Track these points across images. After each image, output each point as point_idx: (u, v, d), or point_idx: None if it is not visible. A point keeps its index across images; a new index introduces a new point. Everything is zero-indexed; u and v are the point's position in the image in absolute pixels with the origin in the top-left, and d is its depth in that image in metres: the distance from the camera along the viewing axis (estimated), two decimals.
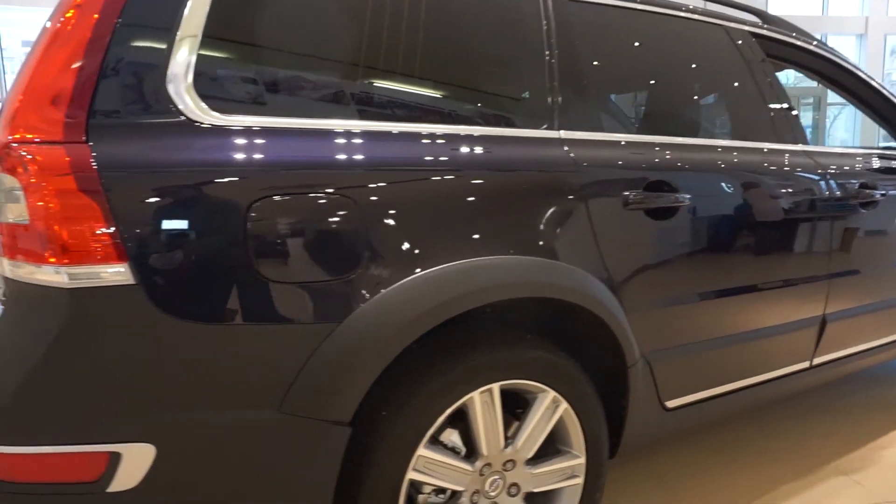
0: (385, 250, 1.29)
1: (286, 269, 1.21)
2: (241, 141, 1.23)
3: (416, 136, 1.41)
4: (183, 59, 1.22)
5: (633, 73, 1.92)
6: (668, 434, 1.90)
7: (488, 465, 1.46)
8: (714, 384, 1.91)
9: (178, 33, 1.22)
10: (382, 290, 1.27)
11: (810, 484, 2.13)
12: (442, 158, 1.41)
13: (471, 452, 1.46)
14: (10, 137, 1.14)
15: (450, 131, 1.46)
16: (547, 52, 1.64)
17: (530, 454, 1.52)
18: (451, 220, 1.39)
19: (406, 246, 1.32)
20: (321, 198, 1.25)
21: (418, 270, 1.31)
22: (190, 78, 1.22)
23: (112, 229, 1.10)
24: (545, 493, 1.58)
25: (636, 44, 1.89)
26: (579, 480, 1.59)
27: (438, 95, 1.55)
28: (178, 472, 1.15)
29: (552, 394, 1.51)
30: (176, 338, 1.14)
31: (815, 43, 2.47)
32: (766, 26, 2.32)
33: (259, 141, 1.24)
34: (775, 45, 2.30)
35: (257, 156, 1.23)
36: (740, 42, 2.13)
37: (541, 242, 1.50)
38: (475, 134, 1.49)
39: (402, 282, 1.29)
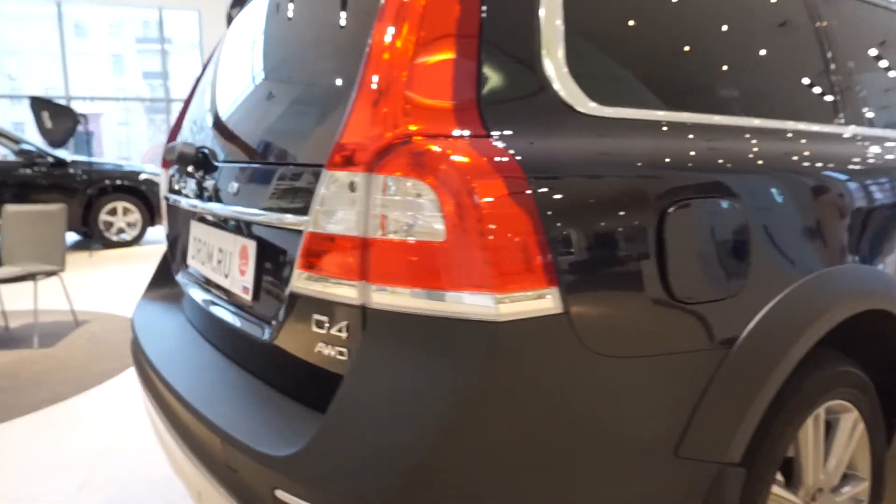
0: (768, 261, 1.16)
1: (693, 286, 1.05)
2: (641, 137, 1.07)
3: (821, 137, 1.37)
4: (554, 38, 1.03)
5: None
6: None
7: (809, 494, 1.36)
8: None
9: (542, 9, 1.05)
10: (767, 307, 1.13)
11: None
12: (838, 161, 1.37)
13: (788, 482, 1.34)
14: (395, 133, 0.93)
15: (850, 132, 1.45)
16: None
17: (836, 481, 1.42)
18: (821, 226, 1.28)
19: (785, 255, 1.19)
20: (719, 202, 1.10)
21: (795, 283, 1.18)
22: (564, 61, 1.04)
23: (543, 244, 0.90)
24: None
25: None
26: None
27: (828, 92, 1.52)
28: None
29: (855, 413, 1.40)
30: (593, 377, 0.94)
31: None
32: None
33: (653, 137, 1.09)
34: None
35: (663, 155, 1.06)
36: None
37: (872, 249, 1.42)
38: (869, 135, 1.48)
39: (786, 295, 1.15)
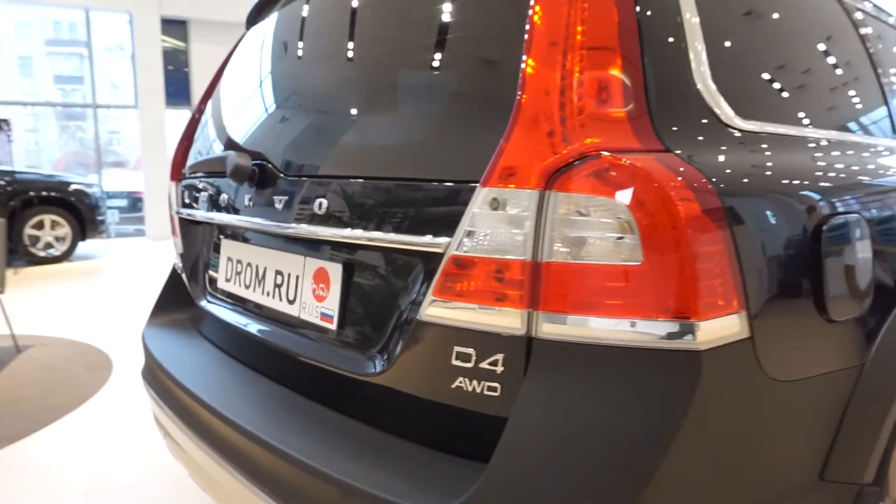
0: (890, 274, 1.16)
1: (844, 303, 1.03)
2: (786, 153, 1.07)
3: None
4: (699, 54, 1.02)
5: None
6: None
7: None
8: None
9: (685, 18, 1.02)
10: (888, 322, 1.12)
11: None
12: None
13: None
14: (573, 147, 0.87)
15: None
16: None
17: None
18: None
19: None
20: (859, 217, 1.10)
21: None
22: (710, 75, 1.02)
23: (735, 265, 0.87)
24: None
25: None
26: None
27: None
28: None
29: None
30: (767, 403, 0.93)
31: None
32: None
33: (796, 152, 1.10)
34: None
35: (812, 170, 1.08)
36: None
37: None
38: None
39: None
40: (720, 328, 0.84)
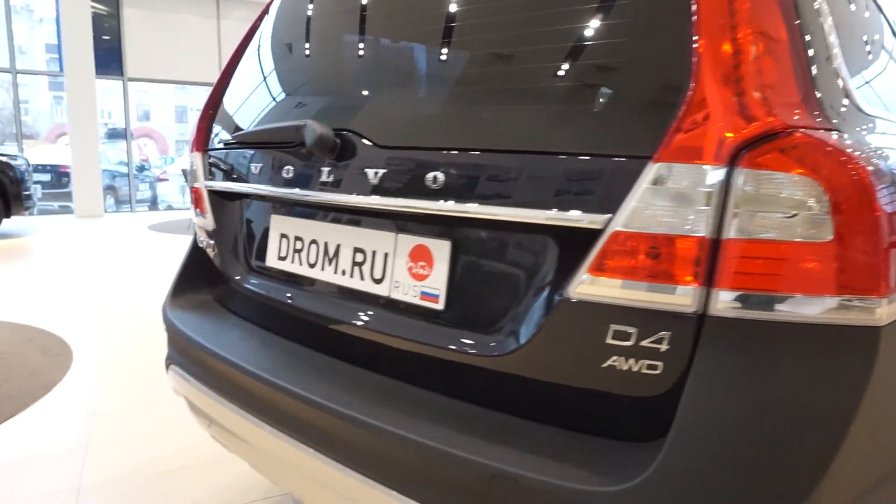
0: None
1: None
2: None
3: None
4: (832, 39, 1.04)
5: None
6: None
7: None
8: None
9: (823, 9, 1.04)
10: None
11: None
12: None
13: None
14: (758, 123, 0.85)
15: None
16: None
17: None
18: None
19: None
20: None
21: None
22: (844, 63, 1.05)
23: None
24: None
25: None
26: None
27: None
28: None
29: None
30: None
31: None
32: None
33: None
34: None
35: None
36: None
37: None
38: None
39: None
40: (894, 304, 0.86)
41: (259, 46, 1.71)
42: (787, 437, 0.82)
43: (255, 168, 1.52)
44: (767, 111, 0.86)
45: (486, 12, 1.18)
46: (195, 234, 1.81)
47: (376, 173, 1.20)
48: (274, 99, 1.58)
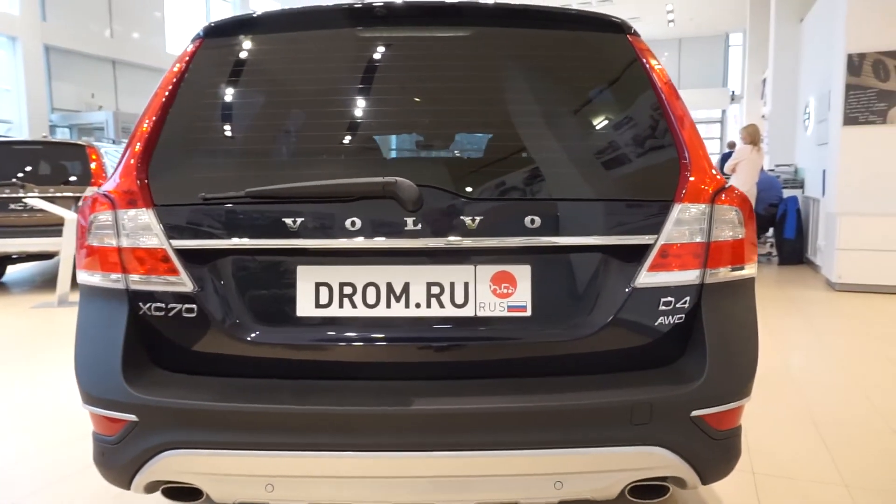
0: None
1: None
2: None
3: None
4: None
5: None
6: None
7: None
8: None
9: None
10: None
11: None
12: None
13: None
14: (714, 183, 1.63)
15: None
16: None
17: None
18: None
19: None
20: None
21: None
22: None
23: None
24: None
25: None
26: None
27: None
28: None
29: None
30: None
31: None
32: None
33: None
34: None
35: None
36: None
37: None
38: None
39: None
40: None
41: (233, 91, 1.70)
42: (752, 336, 1.63)
43: (280, 221, 1.53)
44: (716, 177, 1.63)
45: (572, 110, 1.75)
46: (129, 303, 1.57)
47: (460, 220, 1.54)
48: (300, 151, 1.66)
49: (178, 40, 18.75)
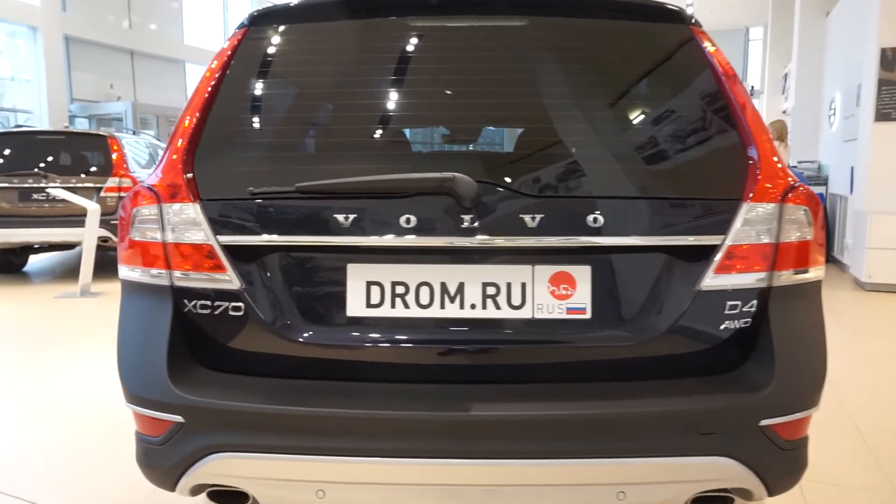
0: None
1: None
2: None
3: None
4: None
5: None
6: None
7: None
8: None
9: None
10: None
11: None
12: None
13: None
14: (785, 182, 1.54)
15: None
16: None
17: None
18: None
19: None
20: None
21: None
22: None
23: None
24: None
25: None
26: None
27: None
28: None
29: None
30: None
31: None
32: None
33: None
34: None
35: None
36: None
37: None
38: None
39: None
40: None
41: (286, 83, 1.66)
42: (819, 347, 1.53)
43: (331, 217, 1.49)
44: (786, 174, 1.55)
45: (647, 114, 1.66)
46: (173, 300, 1.53)
47: (519, 218, 1.47)
48: (358, 143, 1.60)
49: (196, 31, 18.84)
